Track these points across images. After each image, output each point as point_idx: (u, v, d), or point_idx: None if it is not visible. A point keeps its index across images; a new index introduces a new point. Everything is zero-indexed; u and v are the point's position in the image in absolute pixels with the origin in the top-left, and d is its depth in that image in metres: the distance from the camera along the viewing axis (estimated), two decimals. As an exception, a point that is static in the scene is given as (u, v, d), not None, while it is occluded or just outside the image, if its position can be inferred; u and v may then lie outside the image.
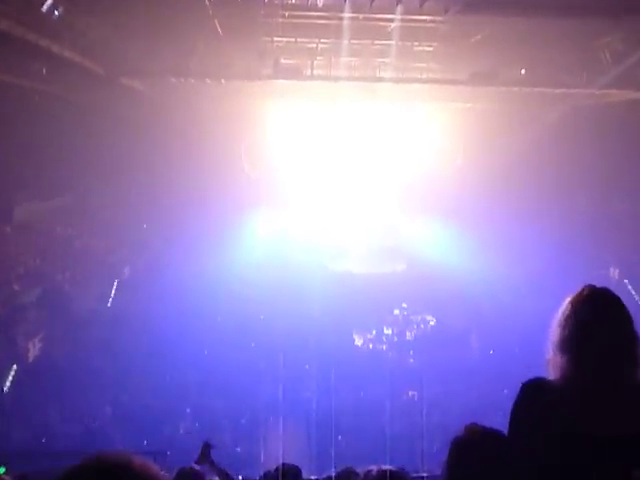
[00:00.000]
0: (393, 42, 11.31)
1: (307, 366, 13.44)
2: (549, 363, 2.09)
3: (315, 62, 12.42)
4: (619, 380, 1.99)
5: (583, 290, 2.10)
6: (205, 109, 14.17)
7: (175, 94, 13.73)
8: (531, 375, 2.11)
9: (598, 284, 2.10)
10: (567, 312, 2.07)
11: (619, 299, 2.09)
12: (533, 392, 2.06)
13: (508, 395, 2.17)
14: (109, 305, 15.22)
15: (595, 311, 2.07)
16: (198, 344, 13.74)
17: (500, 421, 2.18)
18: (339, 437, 11.61)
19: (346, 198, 16.02)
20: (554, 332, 2.07)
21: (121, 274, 15.81)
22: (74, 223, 16.04)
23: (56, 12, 8.91)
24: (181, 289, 14.36)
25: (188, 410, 13.05)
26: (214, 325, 14.18)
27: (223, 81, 12.92)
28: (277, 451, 5.48)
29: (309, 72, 12.47)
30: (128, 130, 13.87)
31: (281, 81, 12.67)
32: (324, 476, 3.17)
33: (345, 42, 11.04)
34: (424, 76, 12.96)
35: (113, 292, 15.28)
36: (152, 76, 12.62)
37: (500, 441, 2.10)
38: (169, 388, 13.14)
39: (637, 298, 14.11)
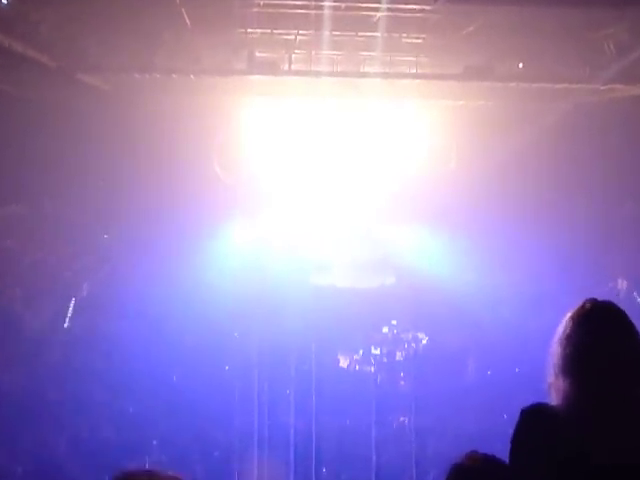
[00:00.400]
0: (379, 34, 11.20)
1: (288, 391, 13.59)
2: (550, 387, 2.15)
3: (293, 56, 12.38)
4: (626, 404, 2.00)
5: (584, 304, 2.12)
6: (173, 108, 14.09)
7: (140, 92, 13.76)
8: (534, 398, 2.14)
9: (604, 296, 2.10)
10: (567, 329, 2.08)
11: (624, 313, 2.10)
12: (534, 419, 2.08)
13: (508, 420, 2.20)
14: (66, 326, 15.18)
15: (598, 328, 2.08)
16: (166, 368, 13.72)
17: (500, 448, 2.19)
18: (323, 469, 11.97)
19: (329, 205, 16.13)
20: (554, 352, 2.08)
21: (79, 291, 15.74)
22: (24, 234, 15.87)
23: (5, 1, 8.85)
24: (147, 306, 14.37)
25: (155, 442, 13.03)
26: (184, 346, 14.15)
27: (192, 77, 12.89)
28: (254, 486, 5.63)
29: (287, 67, 12.44)
30: (88, 131, 13.93)
31: (256, 77, 12.64)
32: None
33: (326, 34, 10.98)
34: (413, 71, 12.97)
35: (70, 311, 15.25)
36: (113, 72, 12.57)
37: (502, 469, 2.12)
38: (133, 418, 13.14)
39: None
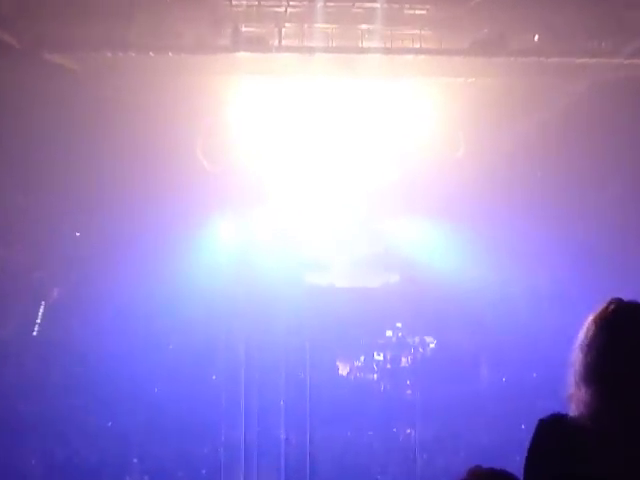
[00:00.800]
0: (378, 5, 11.40)
1: (281, 402, 13.62)
2: (571, 397, 2.12)
3: (283, 30, 12.38)
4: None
5: (608, 305, 2.09)
6: (150, 90, 13.93)
7: (113, 72, 13.70)
8: (553, 407, 2.13)
9: (630, 295, 2.07)
10: (589, 334, 2.06)
11: None
12: (552, 431, 2.07)
13: (526, 432, 2.20)
14: (35, 334, 15.12)
15: (623, 332, 2.05)
16: (147, 377, 13.75)
17: (517, 464, 2.20)
18: (320, 488, 11.55)
19: (326, 196, 16.05)
20: (575, 359, 2.09)
21: (49, 295, 15.69)
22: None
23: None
24: (125, 312, 14.34)
25: (135, 460, 13.09)
26: (167, 353, 14.24)
27: (170, 55, 12.86)
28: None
29: (276, 42, 12.43)
30: (57, 117, 13.85)
31: (242, 54, 12.60)
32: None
33: (320, 5, 11.06)
34: (416, 46, 12.92)
35: (39, 318, 15.19)
36: (83, 51, 12.53)
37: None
38: (111, 435, 13.16)
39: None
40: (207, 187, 15.29)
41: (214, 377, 14.13)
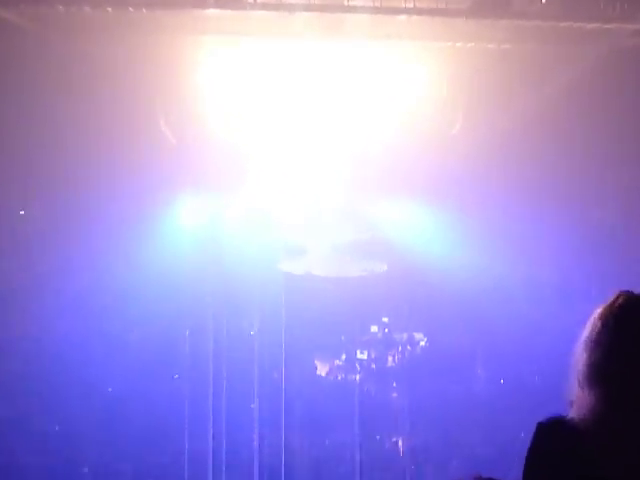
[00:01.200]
0: (367, -43, 11.44)
1: (252, 405, 13.63)
2: (574, 399, 2.16)
3: (261, -15, 12.41)
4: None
5: (616, 299, 2.11)
6: (108, 50, 13.85)
7: (66, 30, 13.61)
8: (554, 412, 2.16)
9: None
10: (595, 330, 2.08)
11: None
12: (552, 435, 2.10)
13: (526, 441, 2.25)
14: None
15: (632, 329, 2.07)
16: (99, 378, 13.70)
17: (516, 477, 2.26)
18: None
19: (304, 174, 16.21)
20: (579, 358, 2.11)
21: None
22: None
23: None
24: (76, 302, 14.30)
25: (85, 470, 13.07)
26: (123, 350, 14.21)
27: (131, 10, 12.77)
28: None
29: (252, -1, 12.37)
30: (2, 78, 13.87)
31: (212, 11, 12.58)
32: None
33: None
34: (409, 5, 12.88)
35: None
36: (33, 4, 12.43)
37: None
38: (59, 440, 13.11)
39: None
40: (171, 162, 15.21)
41: (176, 376, 14.19)
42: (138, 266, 14.80)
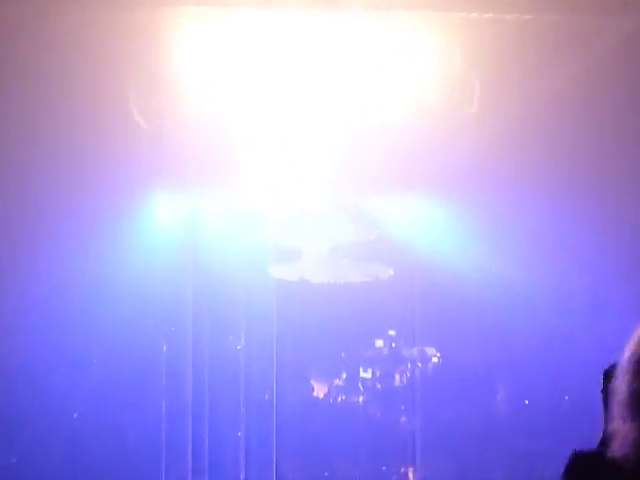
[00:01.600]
0: None
1: (239, 433, 13.70)
2: (613, 431, 2.17)
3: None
4: None
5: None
6: (66, 22, 13.67)
7: (34, 6, 13.60)
8: (589, 440, 2.28)
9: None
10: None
11: None
12: (586, 472, 2.21)
13: (555, 475, 2.39)
14: None
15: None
16: (62, 402, 13.78)
17: None
18: None
19: (298, 166, 15.97)
20: (619, 383, 2.07)
21: None
22: None
23: None
24: (33, 312, 14.29)
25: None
26: (89, 370, 14.27)
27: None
28: None
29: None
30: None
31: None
32: None
33: None
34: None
35: None
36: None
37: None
38: (16, 474, 13.29)
39: None
40: (144, 151, 15.07)
41: (152, 398, 14.11)
42: (108, 272, 14.76)
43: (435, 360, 15.39)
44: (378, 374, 15.16)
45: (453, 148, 15.44)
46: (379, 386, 15.06)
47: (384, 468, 14.05)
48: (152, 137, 15.24)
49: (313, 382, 14.99)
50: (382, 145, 15.61)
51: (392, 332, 15.61)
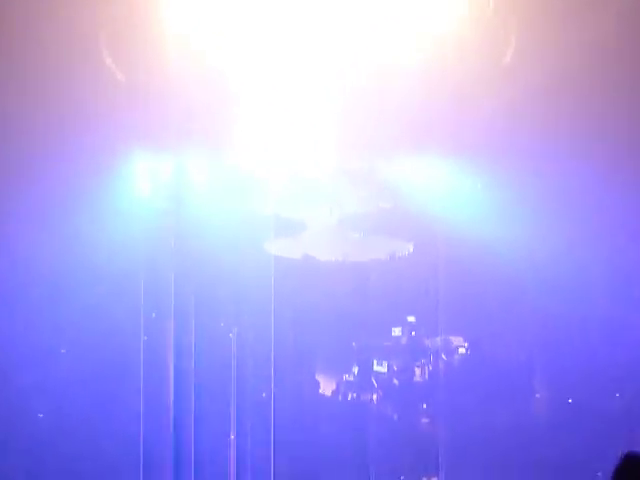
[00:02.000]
0: None
1: (232, 436, 13.28)
2: None
3: None
4: None
5: None
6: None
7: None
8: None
9: None
10: None
11: None
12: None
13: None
14: None
15: None
16: (26, 399, 13.50)
17: None
18: None
19: (301, 125, 15.74)
20: None
21: None
22: None
23: None
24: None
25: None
26: (57, 362, 13.92)
27: None
28: None
29: None
30: None
31: None
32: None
33: None
34: None
35: None
36: None
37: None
38: None
39: None
40: (120, 107, 14.89)
41: (129, 398, 13.49)
42: (79, 246, 14.52)
43: (462, 351, 14.99)
44: (395, 368, 14.74)
45: (481, 105, 15.11)
46: (396, 382, 14.60)
47: (402, 478, 13.63)
48: (130, 90, 15.02)
49: (319, 377, 14.57)
50: (402, 101, 15.36)
51: (411, 318, 15.21)
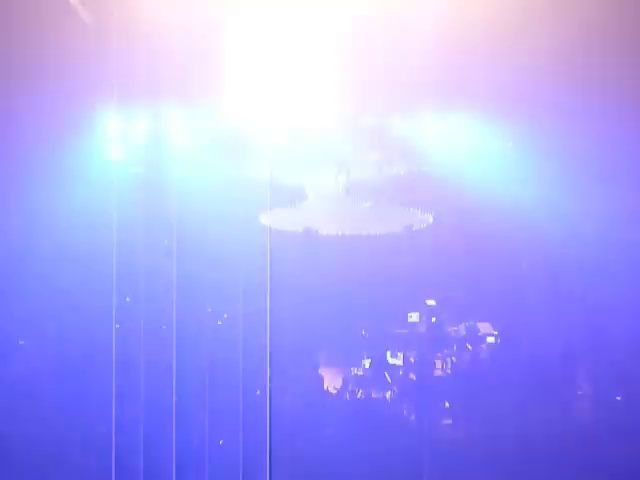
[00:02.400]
0: None
1: (221, 442, 12.66)
2: None
3: None
4: None
5: None
6: None
7: None
8: None
9: None
10: None
11: None
12: None
13: None
14: None
15: None
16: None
17: None
18: None
19: (302, 75, 15.62)
20: None
21: None
22: None
23: None
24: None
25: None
26: (13, 344, 13.66)
27: None
28: None
29: None
30: None
31: None
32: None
33: None
34: None
35: None
36: None
37: None
38: None
39: None
40: (88, 54, 14.65)
41: (98, 395, 12.78)
42: (40, 225, 14.44)
43: (491, 340, 14.47)
44: (412, 360, 14.21)
45: (509, 56, 14.91)
46: (413, 377, 14.05)
47: (421, 488, 13.27)
48: (99, 33, 14.71)
49: (322, 372, 13.98)
50: (415, 53, 15.05)
51: (431, 302, 14.76)
